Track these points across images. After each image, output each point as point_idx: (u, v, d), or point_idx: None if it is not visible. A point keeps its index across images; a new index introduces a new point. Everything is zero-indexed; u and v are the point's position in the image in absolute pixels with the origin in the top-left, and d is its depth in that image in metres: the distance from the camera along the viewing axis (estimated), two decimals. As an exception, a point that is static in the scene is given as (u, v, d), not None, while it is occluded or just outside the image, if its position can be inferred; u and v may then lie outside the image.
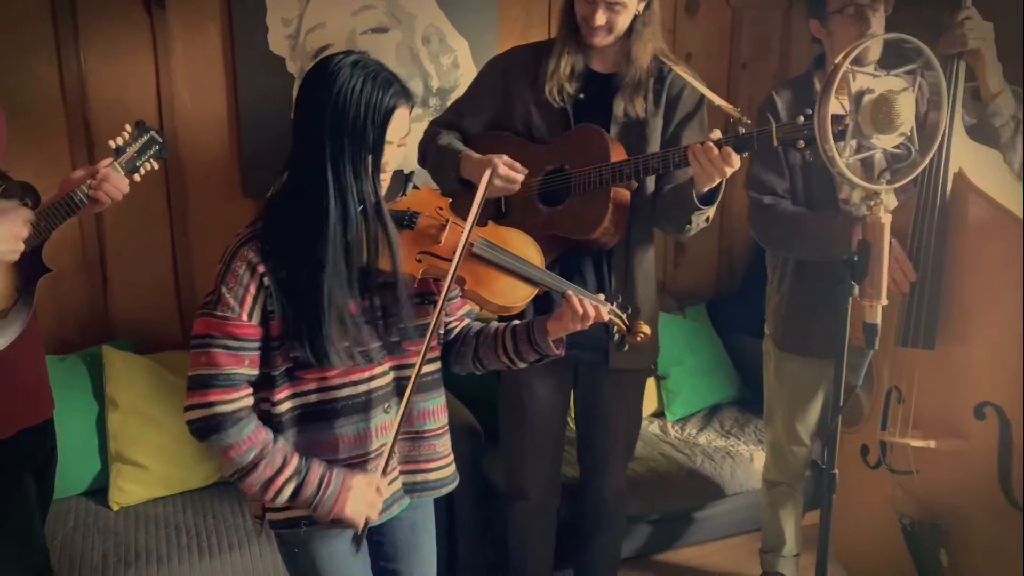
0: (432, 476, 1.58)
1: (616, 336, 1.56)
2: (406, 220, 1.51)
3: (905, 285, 1.86)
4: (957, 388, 1.86)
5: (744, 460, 2.74)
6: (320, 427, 1.47)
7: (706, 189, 1.81)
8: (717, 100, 1.87)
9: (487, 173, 1.48)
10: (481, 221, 1.52)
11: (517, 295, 1.53)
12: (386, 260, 1.42)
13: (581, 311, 1.49)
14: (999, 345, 1.81)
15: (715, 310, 3.33)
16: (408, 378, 1.48)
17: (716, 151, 1.73)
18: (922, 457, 1.89)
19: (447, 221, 1.53)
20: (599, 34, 1.94)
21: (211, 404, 1.37)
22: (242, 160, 2.69)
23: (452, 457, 1.62)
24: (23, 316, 1.66)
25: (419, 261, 1.49)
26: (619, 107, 1.99)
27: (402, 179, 1.48)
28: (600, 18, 1.91)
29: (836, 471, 1.64)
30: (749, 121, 1.76)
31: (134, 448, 2.39)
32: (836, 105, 2.08)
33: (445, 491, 1.60)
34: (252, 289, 1.38)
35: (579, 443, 2.27)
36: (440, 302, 1.44)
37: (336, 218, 1.35)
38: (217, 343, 1.37)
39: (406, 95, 1.38)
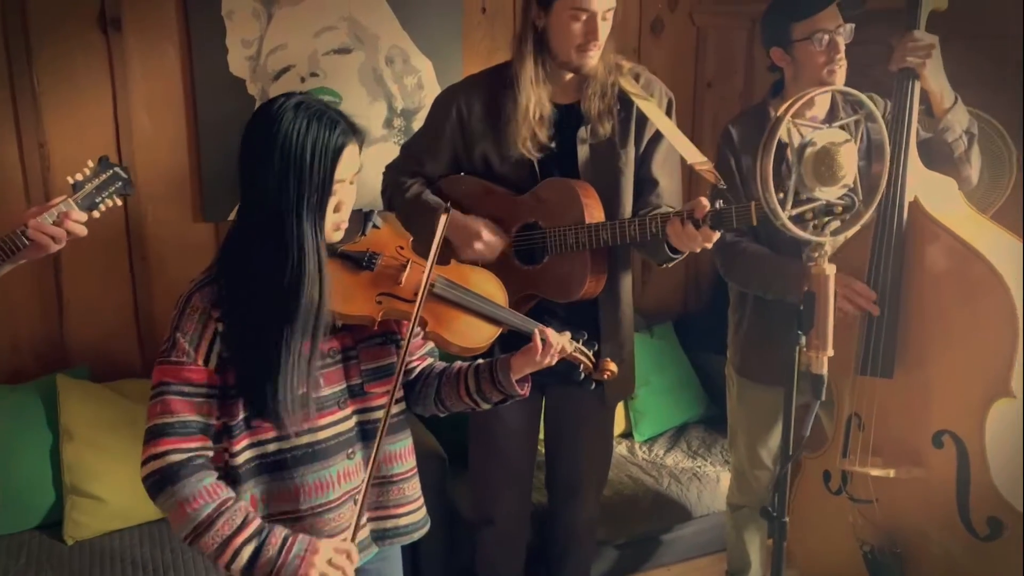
0: (402, 522, 1.54)
1: (582, 374, 1.55)
2: (365, 261, 1.48)
3: (872, 308, 1.87)
4: (915, 416, 1.87)
5: (711, 481, 2.74)
6: (280, 476, 1.43)
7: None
8: (691, 158, 1.83)
9: (443, 217, 1.46)
10: (443, 260, 1.50)
11: (480, 335, 1.50)
12: (339, 302, 1.40)
13: (547, 346, 1.47)
14: (955, 373, 1.82)
15: (682, 328, 3.33)
16: (372, 422, 1.45)
17: (695, 231, 1.69)
18: (882, 485, 1.90)
19: (408, 261, 1.50)
20: (593, 51, 1.83)
21: (164, 454, 1.33)
22: (202, 184, 2.66)
23: (422, 500, 1.59)
24: None
25: (379, 303, 1.46)
26: (584, 146, 1.92)
27: (361, 218, 1.45)
28: (603, 31, 1.79)
29: (787, 519, 1.62)
30: (725, 186, 1.74)
31: (90, 480, 2.33)
32: (794, 133, 2.11)
33: (416, 536, 1.56)
34: (207, 334, 1.36)
35: (548, 469, 2.25)
36: (405, 345, 1.41)
37: (288, 262, 1.33)
38: (172, 390, 1.34)
39: (354, 132, 1.37)
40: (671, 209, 1.89)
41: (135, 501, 2.36)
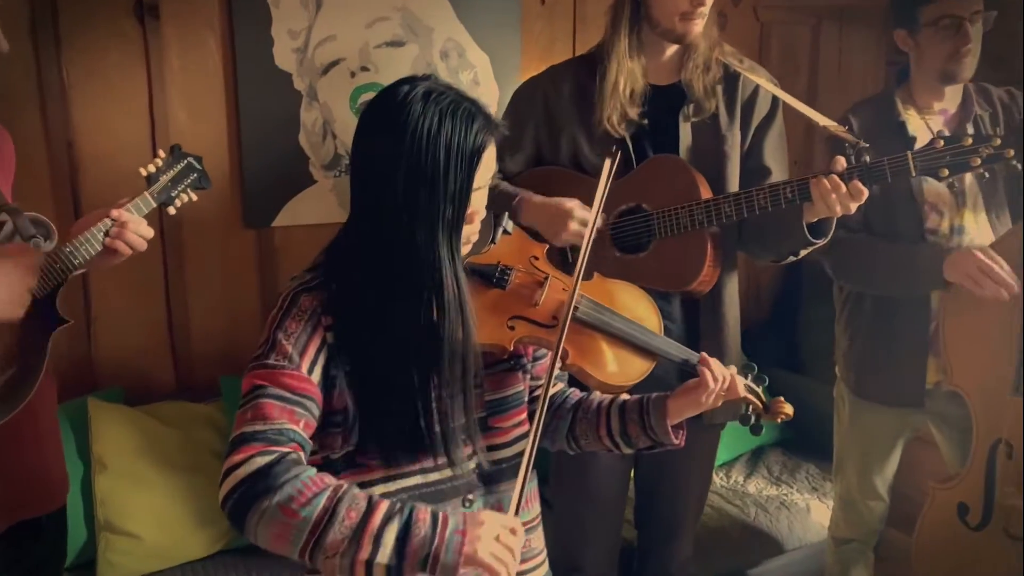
0: None
1: (752, 417, 1.32)
2: (496, 277, 1.25)
3: (1013, 288, 1.67)
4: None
5: (800, 511, 2.52)
6: None
7: (816, 219, 1.58)
8: (823, 121, 1.64)
9: (608, 163, 1.23)
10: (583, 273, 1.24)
11: (630, 371, 1.27)
12: (469, 338, 1.16)
13: (719, 384, 1.23)
14: None
15: (743, 343, 3.11)
16: (496, 463, 1.23)
17: (844, 186, 1.50)
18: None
19: (546, 277, 1.27)
20: (698, 19, 1.65)
21: (250, 458, 1.03)
22: (244, 187, 2.43)
23: (545, 553, 1.34)
24: (29, 384, 1.38)
25: (511, 328, 1.23)
26: (686, 126, 1.76)
27: (490, 222, 1.21)
28: None
29: None
30: (868, 146, 1.54)
31: (125, 515, 2.09)
32: (922, 127, 1.91)
33: None
34: (315, 341, 1.12)
35: (641, 506, 2.02)
36: (547, 382, 1.15)
37: (422, 296, 1.10)
38: (269, 393, 1.08)
39: (492, 127, 1.13)
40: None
41: (176, 538, 2.14)
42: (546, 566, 1.34)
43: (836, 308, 2.11)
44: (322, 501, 1.01)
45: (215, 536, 2.19)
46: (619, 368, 1.26)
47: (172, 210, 1.46)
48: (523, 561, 1.28)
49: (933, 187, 1.87)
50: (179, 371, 2.44)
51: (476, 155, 1.09)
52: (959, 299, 1.78)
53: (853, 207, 1.53)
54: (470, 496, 1.22)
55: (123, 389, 2.32)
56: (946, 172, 1.50)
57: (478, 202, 1.14)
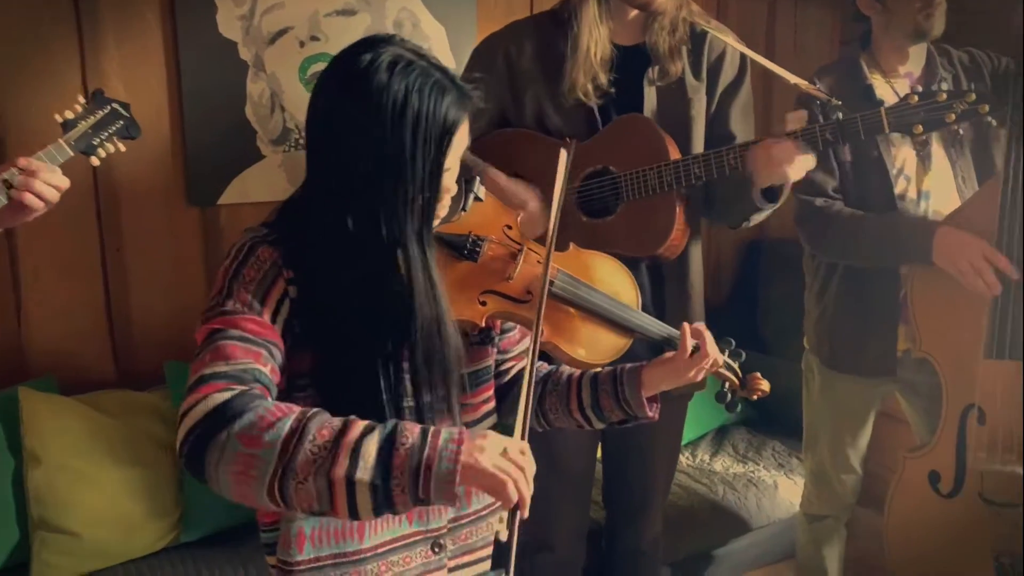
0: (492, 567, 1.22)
1: (729, 394, 1.26)
2: (467, 248, 1.16)
3: (998, 288, 1.63)
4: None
5: (768, 488, 2.48)
6: None
7: (767, 185, 1.53)
8: (793, 79, 1.59)
9: (563, 154, 1.16)
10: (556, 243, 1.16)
11: (607, 348, 1.20)
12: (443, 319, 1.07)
13: (700, 357, 1.16)
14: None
15: (709, 325, 3.09)
16: None
17: (794, 150, 1.46)
18: (1027, 486, 1.65)
19: (521, 247, 1.18)
20: None
21: (207, 396, 0.91)
22: (187, 163, 2.30)
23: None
24: None
25: (483, 303, 1.14)
26: (651, 89, 1.70)
27: (460, 188, 1.12)
28: None
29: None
30: (840, 103, 1.49)
31: (62, 512, 1.94)
32: (888, 91, 1.88)
33: None
34: (276, 292, 1.01)
35: (609, 484, 1.96)
36: (530, 359, 1.05)
37: (390, 293, 1.01)
38: (228, 335, 0.96)
39: (466, 101, 1.03)
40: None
41: (117, 535, 2.01)
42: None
43: (807, 279, 2.07)
44: (289, 423, 0.89)
45: (161, 532, 2.06)
46: (595, 346, 1.19)
47: (96, 160, 1.34)
48: (488, 545, 1.21)
49: (901, 150, 1.84)
50: (119, 358, 2.29)
51: (447, 135, 1.00)
52: (927, 265, 1.76)
53: (801, 174, 1.49)
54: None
55: (57, 378, 2.17)
56: (920, 128, 1.47)
57: (449, 180, 1.05)
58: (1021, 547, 1.66)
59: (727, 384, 1.26)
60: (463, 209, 1.13)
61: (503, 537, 0.91)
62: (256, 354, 0.96)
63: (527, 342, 1.33)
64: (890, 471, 1.94)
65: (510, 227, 1.21)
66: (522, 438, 0.97)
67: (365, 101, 0.97)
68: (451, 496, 0.87)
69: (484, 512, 1.21)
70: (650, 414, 1.22)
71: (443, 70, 1.02)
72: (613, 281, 1.24)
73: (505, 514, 0.91)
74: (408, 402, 1.07)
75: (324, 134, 1.02)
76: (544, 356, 1.33)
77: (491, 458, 0.88)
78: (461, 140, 1.03)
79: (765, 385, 1.26)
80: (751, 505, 2.42)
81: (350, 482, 0.86)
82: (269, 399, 0.94)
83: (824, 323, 1.97)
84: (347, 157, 0.99)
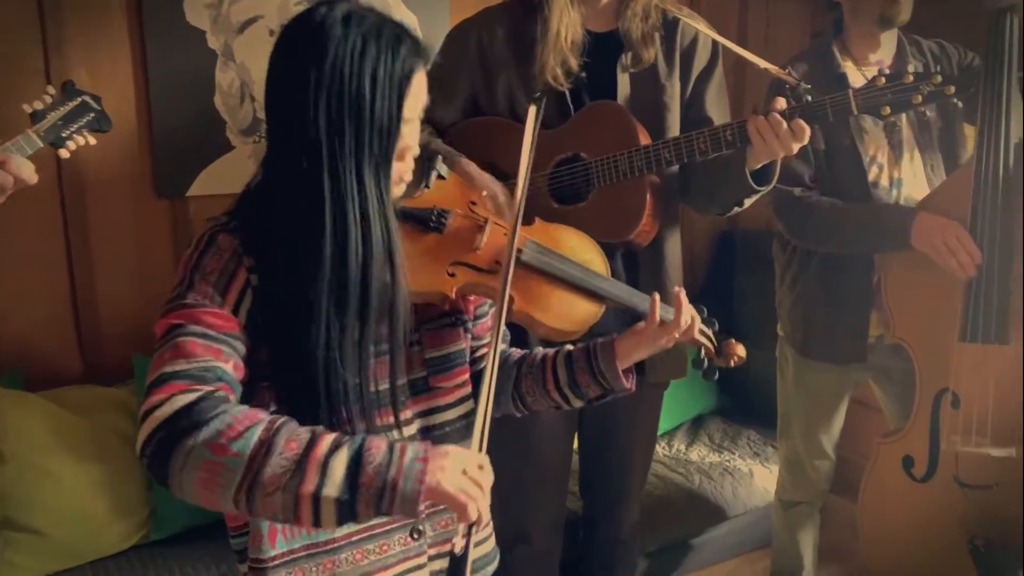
0: (475, 554, 1.19)
1: (705, 360, 1.25)
2: (433, 221, 1.16)
3: (971, 269, 1.64)
4: (1026, 386, 1.66)
5: (744, 477, 2.49)
6: None
7: (760, 165, 1.53)
8: (763, 64, 1.59)
9: (533, 110, 1.15)
10: (523, 219, 1.16)
11: (579, 314, 1.19)
12: (398, 281, 1.06)
13: (676, 324, 1.16)
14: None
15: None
16: (439, 427, 1.13)
17: (785, 125, 1.45)
18: (1004, 467, 1.66)
19: (485, 221, 1.18)
20: None
21: (171, 397, 0.90)
22: (155, 154, 2.25)
23: (492, 526, 1.24)
24: None
25: (452, 275, 1.14)
26: (624, 76, 1.69)
27: (421, 166, 1.12)
28: None
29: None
30: (809, 87, 1.50)
31: (28, 510, 1.90)
32: (860, 78, 1.89)
33: (490, 571, 1.22)
34: (238, 282, 1.01)
35: (586, 473, 1.95)
36: (498, 329, 1.05)
37: (348, 239, 0.99)
38: (188, 332, 0.96)
39: (421, 52, 1.03)
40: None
41: (85, 534, 1.97)
42: (493, 539, 1.25)
43: (777, 268, 2.08)
44: (257, 433, 0.89)
45: (129, 530, 2.02)
46: (569, 314, 1.19)
47: (65, 153, 1.31)
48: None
49: (873, 139, 1.85)
50: (86, 353, 2.24)
51: (404, 81, 1.00)
52: (902, 251, 1.77)
53: (795, 147, 1.49)
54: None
55: (23, 374, 2.12)
56: (887, 110, 1.48)
57: (410, 136, 1.04)
58: (995, 529, 1.67)
59: (703, 350, 1.26)
60: (426, 185, 1.14)
61: (458, 550, 0.94)
62: (217, 351, 0.96)
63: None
64: (863, 459, 1.96)
65: (475, 203, 1.21)
66: (480, 448, 0.98)
67: (323, 53, 0.97)
68: (414, 513, 0.90)
69: None
70: (627, 385, 1.22)
71: (397, 22, 1.03)
72: (582, 251, 1.24)
73: (462, 527, 0.94)
74: (355, 385, 1.05)
75: (283, 93, 1.01)
76: (521, 333, 1.33)
77: (453, 479, 0.91)
78: (419, 90, 1.03)
79: (741, 350, 1.27)
80: (727, 494, 2.43)
81: (316, 498, 0.88)
82: (233, 399, 0.95)
83: (798, 311, 1.98)
84: (306, 111, 0.98)
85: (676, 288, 1.22)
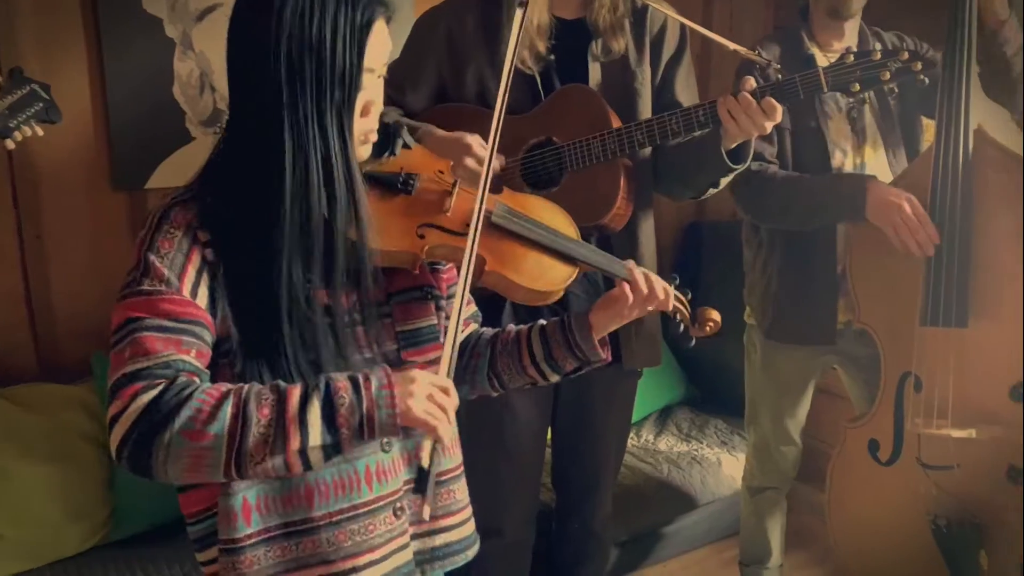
0: (453, 536, 1.18)
1: (681, 325, 1.25)
2: (400, 183, 1.14)
3: (930, 248, 1.66)
4: (988, 369, 1.68)
5: (712, 465, 2.51)
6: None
7: (734, 145, 1.54)
8: (732, 46, 1.60)
9: (520, 13, 1.15)
10: (490, 188, 1.16)
11: (554, 275, 1.19)
12: (363, 235, 1.05)
13: (646, 291, 1.16)
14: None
15: (651, 308, 3.10)
16: None
17: (755, 104, 1.46)
18: (964, 448, 1.69)
19: (454, 183, 1.17)
20: None
21: (134, 397, 0.92)
22: (111, 145, 2.20)
23: (471, 509, 1.23)
24: None
25: (421, 236, 1.12)
26: (595, 64, 1.70)
27: (386, 135, 1.12)
28: None
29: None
30: (779, 66, 1.51)
31: (-17, 512, 1.85)
32: (823, 60, 1.91)
33: (468, 556, 1.20)
34: (194, 259, 0.99)
35: (559, 465, 1.94)
36: (462, 289, 1.06)
37: (309, 188, 0.99)
38: (145, 326, 0.95)
39: (382, 1, 1.02)
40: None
41: (43, 535, 1.92)
42: (471, 521, 1.23)
43: (746, 253, 2.09)
44: (228, 409, 0.93)
45: (89, 530, 1.98)
46: (543, 274, 1.18)
47: (11, 143, 1.27)
48: (448, 515, 1.19)
49: (836, 124, 1.87)
50: (41, 350, 2.18)
51: (365, 28, 0.99)
52: (863, 235, 1.79)
53: (768, 126, 1.51)
54: (385, 441, 1.10)
55: (-26, 372, 2.07)
56: (857, 87, 1.50)
57: (373, 90, 1.04)
58: (956, 510, 1.70)
59: (678, 316, 1.26)
60: (391, 152, 1.14)
61: (425, 464, 0.99)
62: (176, 342, 0.96)
63: (473, 307, 1.31)
64: (829, 446, 1.98)
65: (441, 171, 1.21)
66: (448, 373, 1.02)
67: (283, 6, 0.97)
68: (395, 433, 0.98)
69: (441, 478, 1.18)
70: (603, 355, 1.22)
71: None
72: (552, 218, 1.24)
73: (428, 443, 0.99)
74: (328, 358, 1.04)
75: (244, 42, 1.00)
76: (494, 312, 1.30)
77: (420, 404, 0.97)
78: (380, 39, 1.02)
79: (716, 315, 1.26)
80: (696, 482, 2.44)
81: (303, 452, 0.94)
82: (192, 383, 0.95)
83: (768, 295, 1.99)
84: (266, 61, 0.97)
85: (629, 266, 1.21)
